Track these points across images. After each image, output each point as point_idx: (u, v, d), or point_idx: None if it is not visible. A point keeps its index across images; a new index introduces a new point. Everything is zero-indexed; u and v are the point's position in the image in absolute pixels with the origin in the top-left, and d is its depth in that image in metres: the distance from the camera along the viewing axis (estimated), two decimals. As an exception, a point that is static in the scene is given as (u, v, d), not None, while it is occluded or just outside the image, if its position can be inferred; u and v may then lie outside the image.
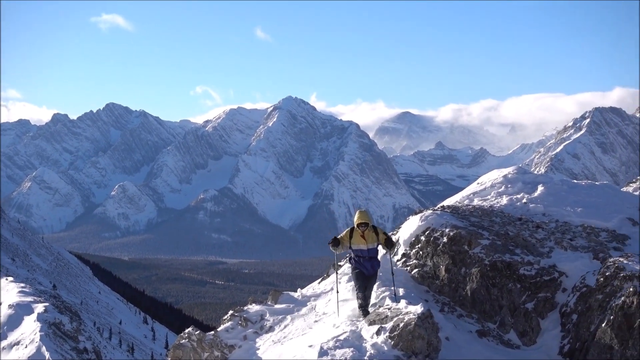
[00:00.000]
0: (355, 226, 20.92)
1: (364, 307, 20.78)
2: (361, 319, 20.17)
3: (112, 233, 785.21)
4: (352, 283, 21.99)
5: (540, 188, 28.53)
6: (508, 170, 31.27)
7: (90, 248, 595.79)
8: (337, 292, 22.07)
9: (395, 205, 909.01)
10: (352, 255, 21.22)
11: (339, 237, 21.47)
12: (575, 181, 31.75)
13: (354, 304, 21.19)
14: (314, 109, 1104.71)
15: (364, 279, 20.89)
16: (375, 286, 22.18)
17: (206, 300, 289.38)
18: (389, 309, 19.63)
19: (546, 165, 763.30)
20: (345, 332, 18.76)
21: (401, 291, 21.18)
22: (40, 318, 70.58)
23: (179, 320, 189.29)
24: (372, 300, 21.31)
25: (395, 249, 23.18)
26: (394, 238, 27.23)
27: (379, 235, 21.09)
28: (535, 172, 34.51)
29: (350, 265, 21.77)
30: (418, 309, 18.77)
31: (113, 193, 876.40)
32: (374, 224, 21.34)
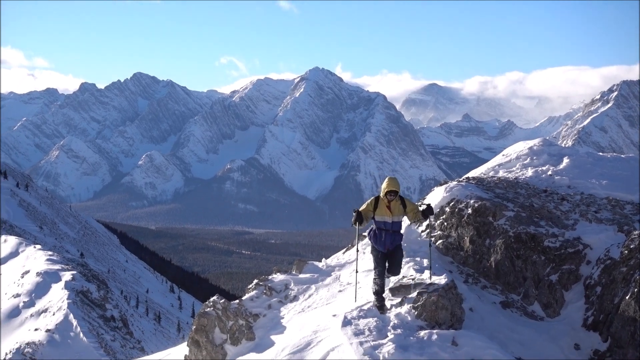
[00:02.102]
0: (382, 195, 18.81)
1: (379, 294, 18.90)
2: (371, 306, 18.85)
3: (140, 202, 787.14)
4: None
5: (565, 160, 28.45)
6: (533, 142, 31.16)
7: (118, 217, 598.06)
8: (357, 280, 21.32)
9: (422, 176, 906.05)
10: (374, 227, 19.18)
11: (361, 209, 19.38)
12: (600, 154, 31.63)
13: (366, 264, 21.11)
14: (341, 80, 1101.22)
15: (384, 259, 18.93)
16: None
17: (232, 270, 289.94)
18: (412, 279, 19.67)
19: (573, 138, 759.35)
20: (369, 302, 18.82)
21: (425, 262, 21.12)
22: (67, 286, 71.10)
23: (205, 289, 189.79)
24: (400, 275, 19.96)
25: (428, 220, 21.70)
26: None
27: (407, 207, 18.94)
28: (563, 145, 34.57)
29: (369, 240, 19.61)
30: (442, 279, 18.83)
31: (140, 162, 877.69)
32: (401, 195, 19.21)
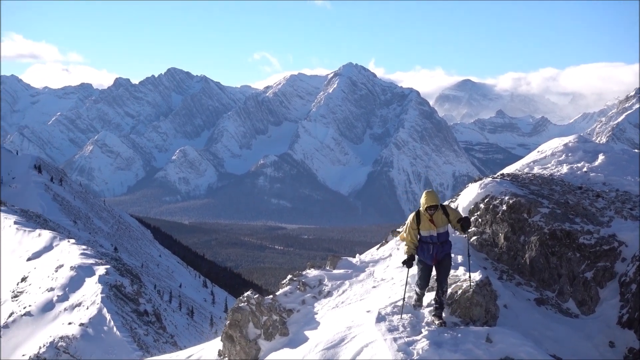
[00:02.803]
0: (423, 210, 18.02)
1: (419, 300, 18.55)
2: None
3: (173, 197, 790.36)
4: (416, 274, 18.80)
5: (600, 157, 28.30)
6: (569, 139, 30.99)
7: (151, 212, 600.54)
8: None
9: (455, 173, 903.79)
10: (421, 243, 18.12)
11: (405, 230, 18.55)
12: (635, 150, 31.44)
13: (412, 270, 20.62)
14: (374, 75, 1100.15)
15: (429, 272, 18.18)
16: None
17: (265, 265, 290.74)
18: (447, 275, 19.67)
19: (607, 134, 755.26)
20: (403, 299, 18.80)
21: (459, 258, 21.05)
22: (101, 280, 71.43)
23: (238, 284, 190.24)
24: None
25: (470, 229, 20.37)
26: (453, 205, 27.10)
27: (450, 215, 18.05)
28: (597, 141, 34.18)
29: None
30: (476, 276, 18.78)
31: (174, 157, 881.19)
32: (442, 204, 18.53)
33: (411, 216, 18.46)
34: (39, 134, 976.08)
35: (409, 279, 19.19)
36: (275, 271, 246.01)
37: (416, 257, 18.25)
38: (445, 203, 28.13)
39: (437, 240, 17.84)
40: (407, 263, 18.16)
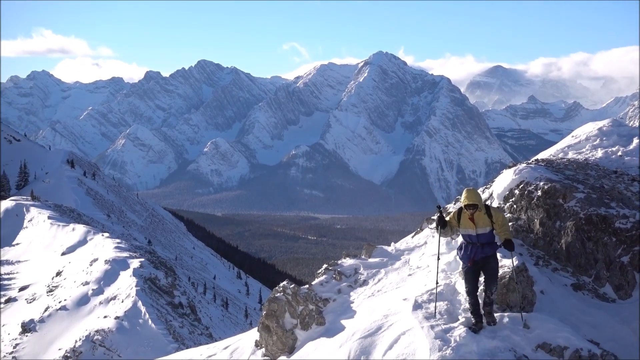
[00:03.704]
0: (463, 207, 17.18)
1: (475, 314, 16.94)
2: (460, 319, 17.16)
3: (205, 189, 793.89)
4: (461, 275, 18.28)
5: (635, 141, 28.09)
6: (603, 123, 30.77)
7: (184, 204, 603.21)
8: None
9: (488, 160, 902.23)
10: (462, 240, 17.53)
11: (446, 216, 17.93)
12: (671, 133, 31.22)
13: (448, 257, 20.43)
14: (405, 63, 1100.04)
15: (471, 274, 17.03)
16: None
17: (299, 256, 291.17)
18: (483, 262, 19.60)
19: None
20: (439, 286, 18.76)
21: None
22: (136, 273, 71.75)
23: (272, 275, 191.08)
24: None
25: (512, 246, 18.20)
26: (487, 192, 27.02)
27: (493, 217, 16.95)
28: (630, 125, 33.96)
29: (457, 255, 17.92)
30: (512, 262, 18.71)
31: (206, 149, 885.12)
32: (487, 204, 17.58)
33: (454, 210, 17.80)
34: (70, 128, 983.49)
35: (444, 266, 19.05)
36: (309, 261, 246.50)
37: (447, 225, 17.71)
38: (480, 190, 28.06)
39: (477, 240, 16.93)
40: (439, 222, 17.70)
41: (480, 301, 17.04)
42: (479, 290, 17.24)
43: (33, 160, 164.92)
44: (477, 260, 16.89)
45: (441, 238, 20.17)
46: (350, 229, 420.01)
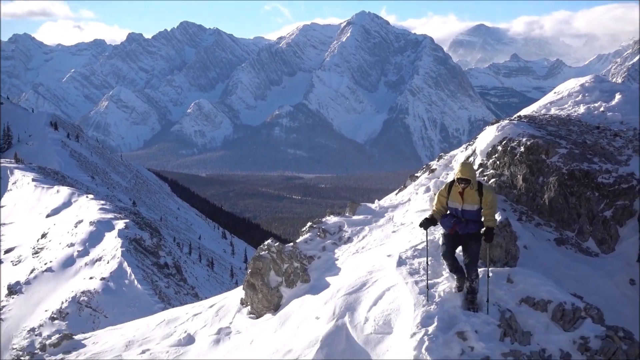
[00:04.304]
0: (455, 180, 16.32)
1: (455, 271, 16.37)
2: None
3: (189, 150, 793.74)
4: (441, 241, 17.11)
5: (617, 96, 28.12)
6: (585, 79, 30.77)
7: (168, 165, 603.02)
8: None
9: (471, 118, 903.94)
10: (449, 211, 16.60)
11: (437, 196, 16.78)
12: (653, 88, 31.25)
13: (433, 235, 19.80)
14: (387, 23, 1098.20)
15: (449, 241, 16.32)
16: None
17: (284, 215, 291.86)
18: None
19: (623, 75, 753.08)
20: (422, 242, 18.79)
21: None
22: (121, 234, 71.73)
23: (257, 234, 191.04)
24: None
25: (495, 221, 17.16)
26: (470, 149, 27.07)
27: (483, 197, 16.06)
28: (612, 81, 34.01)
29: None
30: (496, 217, 18.76)
31: (189, 111, 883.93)
32: (481, 182, 16.52)
33: (446, 183, 16.90)
34: (53, 91, 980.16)
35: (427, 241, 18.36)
36: (294, 221, 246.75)
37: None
38: (463, 147, 28.09)
39: (462, 216, 16.15)
40: (424, 223, 16.55)
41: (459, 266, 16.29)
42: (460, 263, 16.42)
43: (16, 122, 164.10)
44: (459, 232, 16.14)
45: (425, 194, 20.20)
46: (335, 188, 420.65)
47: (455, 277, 16.32)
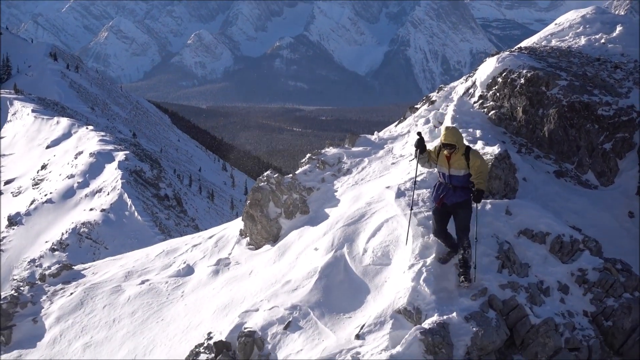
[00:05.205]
0: (441, 144, 15.45)
1: (447, 245, 15.61)
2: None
3: (190, 82, 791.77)
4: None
5: (619, 28, 27.89)
6: (586, 11, 30.48)
7: (168, 97, 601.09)
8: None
9: (473, 50, 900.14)
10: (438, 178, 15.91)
11: (427, 143, 16.39)
12: (655, 21, 31.00)
13: (430, 146, 19.63)
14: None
15: (438, 216, 15.59)
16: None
17: (284, 147, 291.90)
18: (465, 150, 19.53)
19: (625, 7, 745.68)
20: (422, 174, 18.76)
21: (478, 132, 20.83)
22: (121, 166, 71.82)
23: (257, 167, 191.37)
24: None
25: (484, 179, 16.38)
26: (470, 80, 26.92)
27: (470, 162, 15.12)
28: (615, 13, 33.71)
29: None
30: (495, 149, 18.69)
31: (189, 42, 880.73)
32: (469, 146, 15.66)
33: (436, 145, 15.91)
34: (52, 21, 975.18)
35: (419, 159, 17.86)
36: (294, 153, 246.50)
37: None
38: (463, 79, 27.91)
39: (449, 182, 15.34)
40: (418, 142, 15.60)
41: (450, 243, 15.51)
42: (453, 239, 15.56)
43: (15, 53, 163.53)
44: (446, 203, 15.42)
45: (425, 126, 20.03)
46: (335, 121, 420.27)
47: (446, 250, 15.57)
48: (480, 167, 15.14)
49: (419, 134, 15.81)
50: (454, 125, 15.61)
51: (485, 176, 15.28)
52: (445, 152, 15.22)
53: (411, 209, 16.29)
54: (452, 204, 15.31)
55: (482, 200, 15.57)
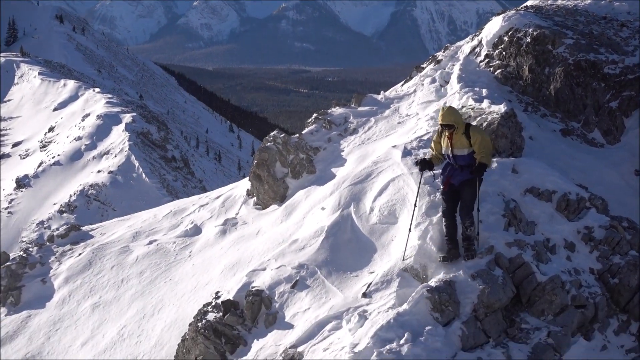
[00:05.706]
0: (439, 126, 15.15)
1: (450, 239, 14.86)
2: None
3: (196, 43, 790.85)
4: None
5: (626, -14, 27.80)
6: (593, -32, 30.38)
7: (175, 59, 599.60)
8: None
9: (479, 10, 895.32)
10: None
11: (433, 139, 15.45)
12: (662, -22, 30.84)
13: (436, 105, 19.59)
14: None
15: (446, 196, 15.04)
16: (458, 86, 21.76)
17: (291, 109, 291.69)
18: (472, 108, 19.50)
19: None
20: (428, 133, 18.81)
21: (484, 91, 20.81)
22: (128, 128, 71.87)
23: (264, 128, 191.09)
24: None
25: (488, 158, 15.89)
26: (476, 39, 26.83)
27: (471, 139, 14.72)
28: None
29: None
30: (501, 108, 18.67)
31: (195, 3, 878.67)
32: (469, 123, 15.19)
33: (436, 132, 15.66)
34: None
35: (433, 113, 17.88)
36: (301, 114, 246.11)
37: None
38: (469, 38, 27.84)
39: (454, 162, 14.91)
40: (421, 164, 15.37)
41: (460, 229, 14.97)
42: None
43: (21, 16, 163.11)
44: (453, 183, 15.00)
45: (431, 85, 20.03)
46: (342, 82, 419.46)
47: (447, 247, 14.77)
48: (482, 143, 14.83)
49: (418, 162, 15.52)
50: (449, 106, 15.22)
51: (488, 151, 14.98)
52: (447, 132, 14.89)
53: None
54: (460, 182, 14.97)
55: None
